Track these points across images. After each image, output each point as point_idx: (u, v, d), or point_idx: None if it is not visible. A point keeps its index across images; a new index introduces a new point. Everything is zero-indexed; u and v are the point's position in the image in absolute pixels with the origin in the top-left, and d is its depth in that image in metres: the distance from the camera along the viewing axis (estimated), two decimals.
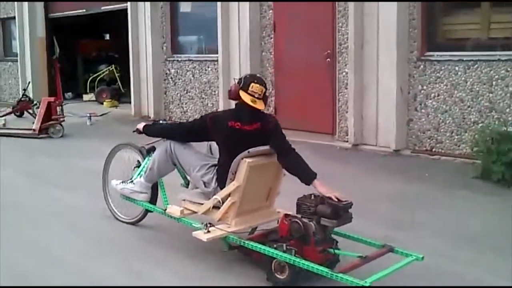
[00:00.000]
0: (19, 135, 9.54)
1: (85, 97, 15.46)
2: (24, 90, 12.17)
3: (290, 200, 4.02)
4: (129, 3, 11.74)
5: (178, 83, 11.14)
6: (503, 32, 7.32)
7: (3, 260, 4.14)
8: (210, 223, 3.95)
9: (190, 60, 10.87)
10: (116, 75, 15.33)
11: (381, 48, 7.85)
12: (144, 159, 4.74)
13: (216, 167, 4.17)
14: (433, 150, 7.62)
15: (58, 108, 9.50)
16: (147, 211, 4.74)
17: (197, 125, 4.26)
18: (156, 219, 4.78)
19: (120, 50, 19.19)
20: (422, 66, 7.63)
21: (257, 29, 9.45)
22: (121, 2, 12.25)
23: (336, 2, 8.35)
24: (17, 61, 16.10)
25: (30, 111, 11.53)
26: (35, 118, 10.98)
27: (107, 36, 19.09)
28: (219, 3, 9.82)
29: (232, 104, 4.28)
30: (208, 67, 10.46)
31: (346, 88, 8.34)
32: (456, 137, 7.39)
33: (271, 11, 9.28)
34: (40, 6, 15.31)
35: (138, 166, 4.81)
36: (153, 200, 4.67)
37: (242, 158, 3.87)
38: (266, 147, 3.98)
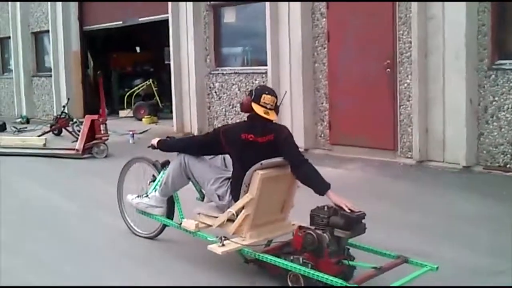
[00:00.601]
0: (61, 155, 9.71)
1: (122, 113, 15.68)
2: (64, 107, 12.42)
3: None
4: (170, 13, 11.89)
5: (223, 98, 11.21)
6: None
7: None
8: (225, 237, 4.14)
9: (235, 73, 10.94)
10: (154, 89, 15.53)
11: (447, 57, 7.77)
12: (159, 173, 4.99)
13: (230, 180, 4.37)
14: (508, 166, 7.47)
15: (102, 126, 9.63)
16: (164, 225, 4.96)
17: (210, 139, 4.48)
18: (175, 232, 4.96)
19: (155, 63, 19.56)
20: (493, 76, 7.51)
21: (309, 38, 9.47)
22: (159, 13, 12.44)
23: (397, 9, 8.29)
24: (50, 76, 16.47)
25: (69, 129, 11.74)
26: (74, 136, 11.24)
27: (139, 49, 19.38)
28: (267, 12, 9.86)
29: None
30: (256, 80, 10.50)
31: (409, 101, 8.26)
32: None
33: (324, 19, 9.28)
34: (74, 18, 15.67)
35: (153, 181, 5.05)
36: (169, 214, 4.91)
37: (255, 170, 4.06)
38: (279, 159, 4.17)
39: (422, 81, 7.99)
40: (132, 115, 15.11)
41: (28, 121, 16.17)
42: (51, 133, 12.31)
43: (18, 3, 17.45)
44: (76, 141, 10.98)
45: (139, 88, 15.57)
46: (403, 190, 7.05)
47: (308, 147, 9.56)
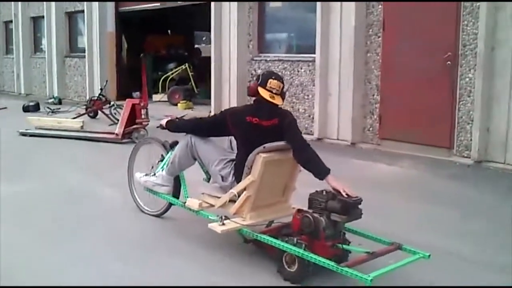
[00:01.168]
0: (99, 139, 9.39)
1: (155, 97, 15.33)
2: (101, 89, 12.11)
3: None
4: None
5: None
6: None
7: None
8: (225, 216, 4.30)
9: (280, 60, 10.50)
10: (190, 74, 15.15)
11: None
12: (167, 153, 5.14)
13: (234, 162, 4.49)
14: None
15: (143, 111, 9.28)
16: (170, 204, 5.12)
17: (217, 120, 4.62)
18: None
19: (189, 47, 19.22)
20: None
21: (363, 26, 8.98)
22: None
23: None
24: (84, 57, 16.20)
25: (106, 111, 11.42)
26: (111, 119, 10.93)
27: (171, 33, 19.04)
28: None
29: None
30: (301, 68, 10.06)
31: (469, 96, 7.77)
32: None
33: (380, 6, 8.79)
34: None
35: (162, 160, 5.20)
36: (175, 193, 5.05)
37: (258, 153, 4.17)
38: (282, 143, 4.25)
39: (487, 76, 7.48)
40: (166, 99, 14.75)
41: (60, 102, 15.94)
42: (86, 115, 12.00)
43: None
44: (113, 124, 10.71)
45: (174, 73, 15.15)
46: (461, 192, 6.58)
47: (355, 141, 9.13)
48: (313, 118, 9.82)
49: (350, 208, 3.93)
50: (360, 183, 6.84)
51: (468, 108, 7.82)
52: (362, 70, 9.07)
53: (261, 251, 4.33)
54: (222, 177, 4.53)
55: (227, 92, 11.48)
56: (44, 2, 17.60)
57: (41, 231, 5.06)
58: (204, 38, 30.97)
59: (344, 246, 3.99)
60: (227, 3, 11.25)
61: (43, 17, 18.08)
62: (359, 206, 3.99)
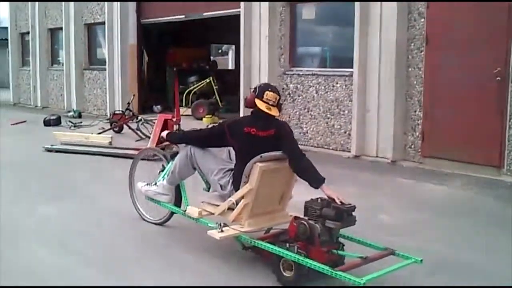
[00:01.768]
0: (130, 156, 9.09)
1: None
2: (128, 103, 11.87)
3: None
4: (242, 9, 11.24)
5: (297, 100, 10.51)
6: None
7: None
8: (224, 224, 4.50)
9: (313, 74, 10.22)
10: (214, 87, 14.91)
11: None
12: (168, 163, 5.35)
13: (233, 171, 4.67)
14: None
15: (175, 127, 9.03)
16: (172, 212, 5.32)
17: (216, 131, 4.84)
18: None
19: (208, 60, 19.03)
20: None
21: (404, 40, 8.71)
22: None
23: None
24: (103, 69, 15.99)
25: (133, 126, 11.17)
26: (138, 135, 10.67)
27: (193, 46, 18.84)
28: (357, 11, 9.14)
29: None
30: (337, 83, 9.78)
31: None
32: None
33: (422, 19, 8.51)
34: (132, 10, 15.15)
35: (162, 170, 5.42)
36: (177, 201, 5.25)
37: (255, 163, 4.37)
38: (279, 153, 4.48)
39: None
40: (190, 113, 14.49)
41: (80, 115, 15.72)
42: (111, 130, 11.76)
43: None
44: (140, 140, 10.46)
45: (198, 86, 14.88)
46: None
47: (396, 159, 8.82)
48: (349, 134, 9.54)
49: (344, 215, 4.14)
50: (412, 205, 6.61)
51: None
52: (403, 85, 8.78)
53: (259, 257, 4.49)
54: (221, 186, 4.73)
55: None
56: (63, 14, 17.44)
57: (88, 259, 4.79)
58: (220, 51, 30.93)
59: (339, 251, 4.18)
60: (258, 15, 11.00)
61: (61, 28, 17.94)
62: (353, 213, 4.20)
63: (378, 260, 4.14)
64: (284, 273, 4.16)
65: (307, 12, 10.56)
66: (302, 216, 4.29)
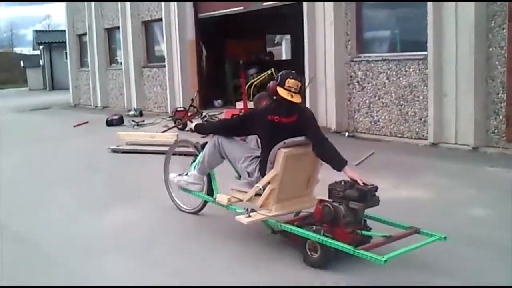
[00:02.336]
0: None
1: (239, 104, 14.82)
2: (192, 100, 11.71)
3: None
4: None
5: (367, 88, 10.09)
6: None
7: None
8: (252, 209, 4.66)
9: (384, 60, 9.77)
10: None
11: None
12: (199, 153, 5.49)
13: (259, 159, 4.79)
14: None
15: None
16: (205, 201, 5.49)
17: (241, 121, 5.13)
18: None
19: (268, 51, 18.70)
20: None
21: (483, 18, 8.17)
22: None
23: None
24: (163, 66, 15.93)
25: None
26: None
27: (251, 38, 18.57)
28: None
29: None
30: (410, 68, 9.31)
31: None
32: None
33: None
34: (189, 5, 15.00)
35: (194, 161, 5.61)
36: (209, 190, 5.42)
37: (279, 149, 4.50)
38: (301, 138, 4.58)
39: None
40: (252, 106, 14.21)
41: (141, 114, 15.72)
42: (175, 127, 11.62)
43: None
44: (206, 136, 10.23)
45: (259, 78, 14.56)
46: None
47: (478, 145, 8.30)
48: (425, 121, 9.06)
49: (367, 195, 4.23)
50: (505, 196, 6.08)
51: None
52: (484, 67, 8.25)
53: (287, 240, 4.61)
54: (248, 173, 4.88)
55: (323, 97, 10.84)
56: (119, 13, 17.48)
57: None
58: (275, 41, 30.61)
59: (363, 232, 4.25)
60: (321, 2, 10.62)
61: (118, 28, 18.00)
62: (376, 194, 4.28)
63: (403, 239, 4.17)
64: (310, 254, 4.28)
65: None
66: (326, 199, 4.41)
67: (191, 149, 5.82)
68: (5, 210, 6.35)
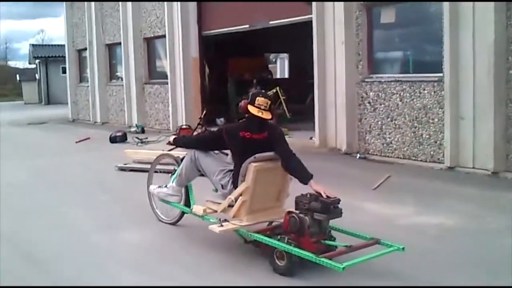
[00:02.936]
0: None
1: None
2: (200, 118, 11.42)
3: None
4: (314, 14, 10.66)
5: (379, 109, 9.84)
6: None
7: None
8: (225, 219, 4.98)
9: (397, 81, 9.53)
10: (281, 98, 14.36)
11: None
12: (179, 166, 5.69)
13: (232, 172, 5.03)
14: None
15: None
16: (183, 213, 5.77)
17: (216, 136, 5.27)
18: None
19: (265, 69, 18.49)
20: None
21: (502, 40, 7.95)
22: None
23: None
24: (165, 84, 15.66)
25: None
26: None
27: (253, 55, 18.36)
28: (446, 11, 8.45)
29: None
30: (424, 89, 9.06)
31: None
32: None
33: None
34: (193, 23, 14.77)
35: (174, 173, 5.80)
36: (186, 202, 5.70)
37: (250, 163, 4.78)
38: (271, 153, 4.88)
39: None
40: None
41: (143, 131, 15.40)
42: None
43: (130, 8, 16.76)
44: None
45: None
46: None
47: (497, 170, 8.03)
48: (440, 144, 8.80)
49: (330, 207, 4.50)
50: None
51: None
52: (504, 89, 8.01)
53: (258, 250, 4.84)
54: (222, 185, 5.13)
55: (333, 117, 10.59)
56: (121, 29, 17.23)
57: None
58: (274, 60, 30.50)
59: (327, 241, 4.56)
60: (332, 21, 10.41)
61: (119, 43, 17.75)
62: (338, 206, 4.54)
63: (364, 249, 4.45)
64: (278, 262, 4.54)
65: (387, 15, 9.89)
66: (294, 210, 4.66)
67: (172, 162, 6.16)
68: (14, 229, 6.09)
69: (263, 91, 5.27)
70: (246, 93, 15.17)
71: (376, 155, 9.89)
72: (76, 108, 21.36)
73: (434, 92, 8.90)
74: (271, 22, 12.66)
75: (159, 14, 15.76)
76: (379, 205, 6.72)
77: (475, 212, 6.42)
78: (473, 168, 8.36)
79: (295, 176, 4.82)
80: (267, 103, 4.91)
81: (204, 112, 11.64)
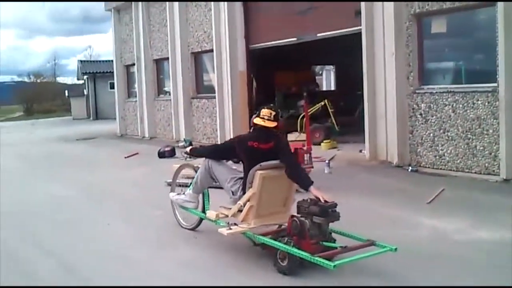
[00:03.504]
0: None
1: (290, 136, 14.59)
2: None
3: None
4: (364, 26, 10.70)
5: (431, 121, 9.77)
6: None
7: None
8: (234, 223, 5.44)
9: (449, 92, 9.45)
10: (330, 110, 14.37)
11: None
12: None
13: (242, 179, 5.49)
14: None
15: (306, 156, 8.55)
16: (201, 219, 6.25)
17: (227, 146, 5.90)
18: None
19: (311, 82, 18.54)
20: None
21: None
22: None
23: None
24: (212, 98, 15.87)
25: None
26: None
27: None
28: (500, 18, 8.37)
29: None
30: (478, 100, 8.96)
31: None
32: None
33: None
34: (240, 36, 14.97)
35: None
36: (203, 208, 6.19)
37: (256, 170, 5.25)
38: (276, 162, 5.33)
39: None
40: (303, 139, 13.99)
41: (191, 145, 15.52)
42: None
43: (177, 23, 17.09)
44: None
45: (313, 109, 14.29)
46: None
47: None
48: (495, 156, 8.69)
49: (328, 211, 4.93)
50: None
51: None
52: None
53: (266, 252, 5.28)
54: (232, 192, 5.60)
55: (383, 130, 10.56)
56: (168, 44, 17.58)
57: None
58: (320, 72, 30.56)
59: (324, 242, 4.97)
60: (381, 32, 10.42)
61: (167, 59, 18.09)
62: (336, 209, 4.97)
63: (360, 249, 4.86)
64: (281, 262, 4.99)
65: (437, 24, 9.85)
66: (296, 214, 5.10)
67: (191, 171, 6.61)
68: (65, 242, 6.28)
69: (271, 104, 5.78)
70: (295, 106, 15.48)
71: (429, 167, 9.80)
72: (124, 123, 21.81)
73: (488, 102, 8.80)
74: (318, 35, 12.72)
75: (207, 28, 16.03)
76: (435, 220, 6.67)
77: None
78: None
79: (297, 182, 5.34)
80: (270, 114, 5.43)
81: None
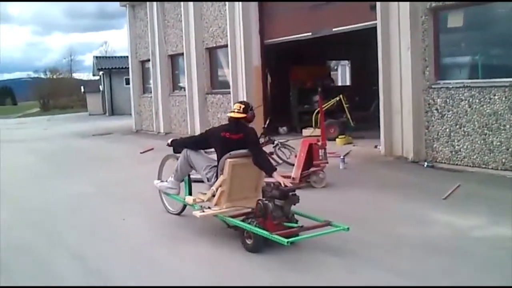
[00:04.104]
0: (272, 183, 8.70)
1: (305, 132, 14.62)
2: (264, 127, 11.54)
3: None
4: (379, 20, 10.65)
5: (447, 116, 9.71)
6: None
7: None
8: (208, 207, 6.04)
9: (465, 87, 9.39)
10: (345, 106, 14.34)
11: None
12: None
13: (216, 167, 6.06)
14: None
15: (321, 152, 8.54)
16: (184, 205, 6.82)
17: (202, 137, 6.64)
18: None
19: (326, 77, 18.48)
20: None
21: None
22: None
23: None
24: (227, 93, 15.91)
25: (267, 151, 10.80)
26: (275, 161, 10.28)
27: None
28: None
29: None
30: (495, 95, 8.90)
31: None
32: None
33: None
34: (255, 32, 14.98)
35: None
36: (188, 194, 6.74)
37: (226, 159, 5.86)
38: (244, 150, 5.93)
39: None
40: (318, 134, 13.96)
41: None
42: None
43: (192, 19, 17.14)
44: (278, 165, 10.04)
45: (329, 104, 14.25)
46: None
47: None
48: None
49: (287, 194, 5.49)
50: None
51: None
52: None
53: (237, 232, 5.78)
54: (207, 178, 6.21)
55: (399, 125, 10.53)
56: (183, 40, 17.64)
57: None
58: (335, 67, 30.44)
59: (285, 223, 5.53)
60: (397, 26, 10.37)
61: (181, 54, 18.16)
62: (295, 193, 5.56)
63: (316, 229, 5.47)
64: (247, 241, 5.55)
65: (454, 19, 9.78)
66: (262, 198, 5.64)
67: (174, 160, 7.04)
68: (97, 254, 6.32)
69: (244, 100, 6.51)
70: (310, 101, 15.44)
71: (444, 163, 9.76)
72: (139, 119, 21.92)
73: (505, 97, 8.74)
74: (334, 29, 12.69)
75: (221, 24, 16.06)
76: (451, 216, 6.62)
77: None
78: None
79: (262, 168, 5.95)
80: (240, 107, 6.09)
81: (268, 121, 11.74)
